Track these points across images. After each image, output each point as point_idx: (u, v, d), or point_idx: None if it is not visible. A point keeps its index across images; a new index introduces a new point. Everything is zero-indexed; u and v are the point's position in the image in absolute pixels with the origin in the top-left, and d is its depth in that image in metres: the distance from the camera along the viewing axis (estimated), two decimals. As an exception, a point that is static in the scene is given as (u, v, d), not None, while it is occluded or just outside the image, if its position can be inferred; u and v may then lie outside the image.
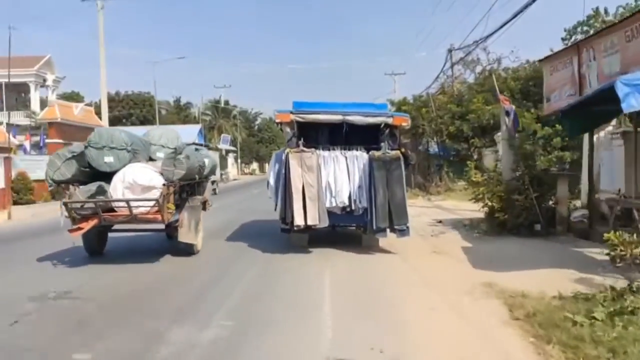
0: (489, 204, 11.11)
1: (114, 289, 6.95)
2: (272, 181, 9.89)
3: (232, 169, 58.40)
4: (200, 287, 7.14)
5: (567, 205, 10.92)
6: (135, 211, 8.02)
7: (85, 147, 8.28)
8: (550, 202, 11.01)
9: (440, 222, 13.48)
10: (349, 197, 9.40)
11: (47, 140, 28.50)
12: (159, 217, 8.12)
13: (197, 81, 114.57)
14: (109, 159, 8.23)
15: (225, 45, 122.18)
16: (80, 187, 8.23)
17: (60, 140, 26.70)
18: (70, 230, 8.04)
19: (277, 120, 9.68)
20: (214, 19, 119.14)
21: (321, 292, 6.73)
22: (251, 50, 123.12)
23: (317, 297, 6.46)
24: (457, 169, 22.44)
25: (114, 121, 54.89)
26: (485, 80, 23.70)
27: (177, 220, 8.71)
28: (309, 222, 9.10)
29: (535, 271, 7.33)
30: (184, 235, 8.77)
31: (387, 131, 9.69)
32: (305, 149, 9.33)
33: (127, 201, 7.96)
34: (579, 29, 14.17)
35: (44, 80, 42.13)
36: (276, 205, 9.70)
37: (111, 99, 58.11)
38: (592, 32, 14.38)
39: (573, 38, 14.45)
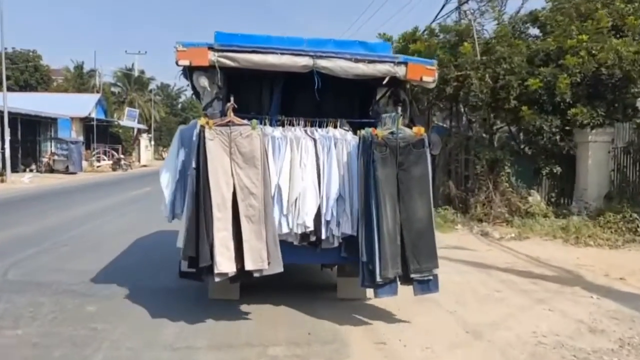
0: None
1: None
2: (167, 191, 5.01)
3: (146, 153, 49.71)
4: None
5: None
6: None
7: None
8: None
9: None
10: (317, 216, 4.86)
11: None
12: None
13: (102, 45, 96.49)
14: None
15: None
16: None
17: None
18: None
19: (182, 62, 4.70)
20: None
21: None
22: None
23: None
24: (524, 171, 11.84)
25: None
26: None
27: None
28: (250, 266, 4.54)
29: None
30: None
31: (388, 93, 5.31)
32: (237, 119, 4.73)
33: None
34: None
35: None
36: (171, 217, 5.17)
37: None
38: None
39: None
